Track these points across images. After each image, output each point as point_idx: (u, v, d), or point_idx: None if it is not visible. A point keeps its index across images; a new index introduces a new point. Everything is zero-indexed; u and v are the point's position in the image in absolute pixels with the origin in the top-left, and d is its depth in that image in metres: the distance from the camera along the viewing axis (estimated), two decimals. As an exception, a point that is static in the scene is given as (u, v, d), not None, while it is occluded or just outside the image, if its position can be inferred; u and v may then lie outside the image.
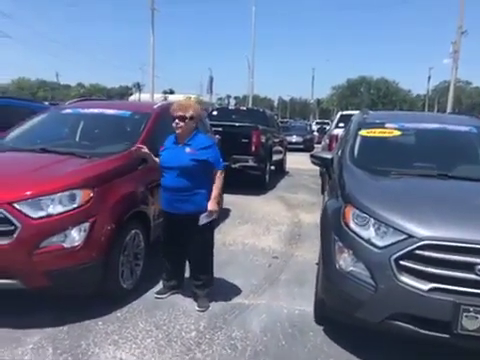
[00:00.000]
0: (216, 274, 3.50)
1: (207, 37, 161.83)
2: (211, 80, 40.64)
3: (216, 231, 5.09)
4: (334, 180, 3.44)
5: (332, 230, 2.71)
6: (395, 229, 2.39)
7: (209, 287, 3.28)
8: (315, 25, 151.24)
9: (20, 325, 2.81)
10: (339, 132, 7.18)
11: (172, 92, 63.90)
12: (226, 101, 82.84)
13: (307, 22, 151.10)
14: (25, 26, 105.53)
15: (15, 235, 2.65)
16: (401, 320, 2.34)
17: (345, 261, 2.50)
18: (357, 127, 3.92)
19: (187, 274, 3.44)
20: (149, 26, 29.34)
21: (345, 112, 11.25)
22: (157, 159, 3.28)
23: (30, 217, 2.70)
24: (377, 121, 4.05)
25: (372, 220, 2.49)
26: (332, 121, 13.78)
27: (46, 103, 9.42)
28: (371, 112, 4.71)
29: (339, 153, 3.81)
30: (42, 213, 2.74)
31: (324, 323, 2.98)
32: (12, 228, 2.66)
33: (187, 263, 3.40)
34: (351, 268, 2.46)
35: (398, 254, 2.32)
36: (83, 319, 2.92)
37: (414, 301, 2.28)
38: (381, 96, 66.30)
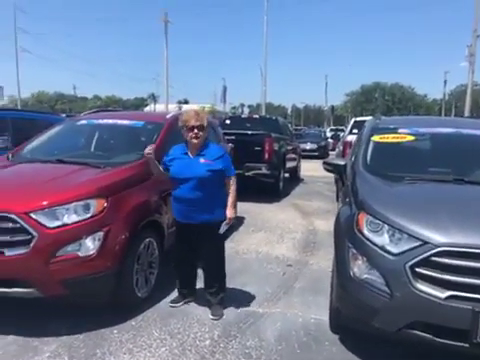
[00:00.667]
0: (230, 282, 3.49)
1: (220, 47, 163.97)
2: (224, 89, 41.04)
3: (229, 239, 5.12)
4: (347, 187, 3.41)
5: (345, 237, 2.68)
6: (410, 235, 2.35)
7: (222, 294, 3.28)
8: (328, 32, 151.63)
9: (37, 333, 2.85)
10: (353, 138, 7.12)
11: (186, 102, 64.69)
12: (240, 110, 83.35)
13: (319, 29, 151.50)
14: (43, 41, 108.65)
15: (32, 244, 2.71)
16: (418, 329, 2.29)
17: (359, 268, 2.46)
18: (370, 133, 3.89)
19: (200, 283, 3.44)
20: (163, 38, 29.90)
21: (359, 118, 11.18)
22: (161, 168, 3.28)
23: (46, 226, 2.75)
24: (390, 126, 4.00)
25: (386, 226, 2.45)
26: (346, 127, 13.69)
27: (63, 115, 9.64)
28: (384, 117, 4.67)
29: (352, 159, 3.78)
30: (58, 222, 2.79)
31: (340, 332, 2.93)
32: (29, 237, 2.71)
33: (199, 271, 3.41)
34: (365, 275, 2.42)
35: (413, 261, 2.27)
36: (98, 327, 2.94)
37: (431, 309, 2.22)
38: (396, 102, 65.70)
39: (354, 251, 2.53)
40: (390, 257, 2.34)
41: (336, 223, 3.04)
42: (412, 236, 2.33)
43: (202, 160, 3.06)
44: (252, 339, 2.88)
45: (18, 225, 2.71)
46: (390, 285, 2.31)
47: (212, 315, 3.16)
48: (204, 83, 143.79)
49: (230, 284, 3.51)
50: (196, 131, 3.03)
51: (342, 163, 3.93)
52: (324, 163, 4.06)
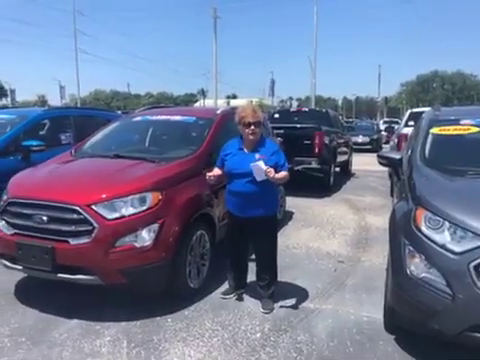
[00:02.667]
0: (280, 277, 3.49)
1: (268, 39, 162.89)
2: (272, 83, 40.74)
3: (279, 234, 5.07)
4: (403, 181, 3.27)
5: (402, 234, 2.57)
6: (475, 234, 2.21)
7: (273, 288, 3.29)
8: (381, 20, 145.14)
9: (98, 319, 3.04)
10: (409, 131, 6.80)
11: (235, 97, 65.18)
12: (288, 103, 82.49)
13: (372, 18, 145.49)
14: (100, 42, 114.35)
15: (93, 235, 2.88)
16: (483, 332, 2.16)
17: (417, 267, 2.35)
18: (428, 125, 3.69)
19: (251, 276, 3.47)
20: (212, 33, 30.29)
21: (415, 110, 10.60)
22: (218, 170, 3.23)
23: (106, 218, 2.91)
24: (451, 117, 3.77)
25: (447, 223, 2.32)
26: (401, 119, 13.07)
27: (119, 112, 10.12)
28: (443, 108, 4.40)
29: (408, 153, 3.61)
30: (116, 214, 2.94)
31: (395, 332, 2.83)
32: (90, 228, 2.89)
33: (251, 264, 3.44)
34: (424, 274, 2.31)
35: (479, 261, 2.13)
36: (154, 316, 3.07)
37: (498, 312, 2.09)
38: (456, 91, 61.59)
39: (411, 248, 2.43)
40: (452, 256, 2.22)
41: (391, 219, 2.93)
42: (477, 234, 2.19)
43: (258, 156, 3.05)
44: (303, 334, 2.87)
45: (81, 216, 2.89)
46: (452, 285, 2.19)
47: (263, 308, 3.19)
48: (252, 77, 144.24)
49: (280, 278, 3.50)
50: (253, 128, 3.04)
51: (397, 157, 3.77)
52: (378, 156, 3.92)
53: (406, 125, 9.11)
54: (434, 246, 2.30)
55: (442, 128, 3.57)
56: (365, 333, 2.88)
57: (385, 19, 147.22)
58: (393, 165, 3.83)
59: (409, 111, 10.55)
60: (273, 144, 3.24)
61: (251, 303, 3.31)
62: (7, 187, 3.39)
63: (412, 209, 2.60)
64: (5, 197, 3.29)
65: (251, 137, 3.07)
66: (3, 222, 3.19)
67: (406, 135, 7.39)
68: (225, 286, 3.52)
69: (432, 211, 2.43)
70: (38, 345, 2.73)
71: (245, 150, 3.13)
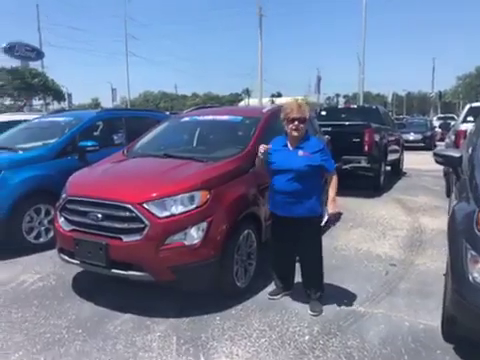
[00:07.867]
0: (328, 279, 3.41)
1: (314, 36, 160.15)
2: (319, 80, 39.92)
3: (327, 235, 5.00)
4: (464, 181, 3.06)
5: (463, 237, 2.40)
6: None
7: (321, 290, 3.22)
8: (434, 10, 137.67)
9: (149, 314, 3.12)
10: (468, 127, 6.37)
11: (280, 95, 64.74)
12: (334, 100, 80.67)
13: (425, 8, 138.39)
14: (148, 45, 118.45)
15: (145, 232, 2.96)
16: None
17: (481, 273, 2.19)
18: (493, 120, 3.42)
19: (298, 276, 3.41)
20: (257, 32, 30.31)
21: (475, 104, 9.89)
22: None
23: (157, 216, 2.98)
24: (519, 112, 3.48)
25: (516, 227, 2.14)
26: (458, 115, 12.29)
27: (167, 113, 10.39)
28: (510, 102, 4.07)
29: (469, 150, 3.37)
30: (166, 213, 3.00)
31: (455, 342, 2.66)
32: (142, 226, 2.97)
33: (297, 265, 3.38)
34: (489, 281, 2.14)
35: None
36: (202, 314, 3.11)
37: None
38: (525, 82, 56.91)
39: (474, 253, 2.26)
40: (521, 263, 2.04)
41: (451, 221, 2.75)
42: None
43: (301, 153, 3.03)
44: (353, 339, 2.77)
45: (134, 214, 2.98)
46: (521, 294, 2.01)
47: (311, 311, 3.12)
48: (297, 75, 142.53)
49: (328, 280, 3.42)
50: (296, 123, 3.01)
51: (457, 155, 3.53)
52: (435, 155, 3.70)
53: (464, 121, 8.55)
54: (500, 251, 2.13)
55: (508, 123, 3.30)
56: (421, 341, 2.73)
57: (439, 8, 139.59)
58: (452, 164, 3.60)
59: (468, 106, 9.86)
60: (318, 142, 3.17)
61: (299, 305, 3.25)
62: (65, 185, 3.60)
63: (475, 211, 2.42)
64: (64, 195, 3.48)
65: (295, 133, 3.03)
66: (62, 218, 3.38)
67: (465, 132, 6.93)
68: (272, 286, 3.49)
69: (498, 213, 2.25)
70: (93, 337, 2.85)
71: (289, 147, 3.10)
